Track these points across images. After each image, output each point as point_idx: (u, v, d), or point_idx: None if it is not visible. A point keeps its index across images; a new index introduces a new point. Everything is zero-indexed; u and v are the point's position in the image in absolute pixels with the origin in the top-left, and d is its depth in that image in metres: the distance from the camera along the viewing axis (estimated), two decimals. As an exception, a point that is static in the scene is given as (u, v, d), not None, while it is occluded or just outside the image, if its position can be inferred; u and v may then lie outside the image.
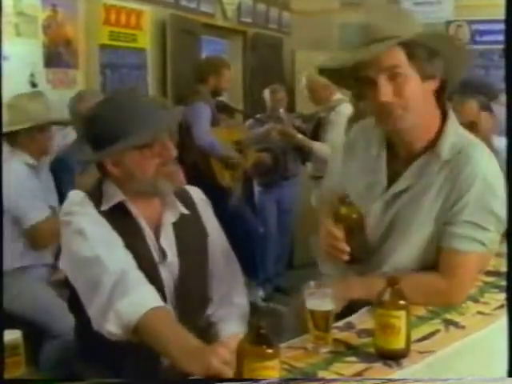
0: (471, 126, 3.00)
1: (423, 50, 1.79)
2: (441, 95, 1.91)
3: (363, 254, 1.85)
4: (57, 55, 3.95)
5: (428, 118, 1.89)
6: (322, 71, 1.95)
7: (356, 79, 1.85)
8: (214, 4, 5.76)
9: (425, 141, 1.90)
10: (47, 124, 3.30)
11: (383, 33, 1.78)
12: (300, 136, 4.83)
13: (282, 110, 5.26)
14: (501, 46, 6.21)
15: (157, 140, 1.86)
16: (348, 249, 1.82)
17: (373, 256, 1.92)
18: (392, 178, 1.93)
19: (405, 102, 1.80)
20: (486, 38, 6.70)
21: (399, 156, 1.94)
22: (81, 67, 4.15)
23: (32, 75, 3.76)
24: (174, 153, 1.90)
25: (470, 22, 6.75)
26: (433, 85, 1.85)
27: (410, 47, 1.77)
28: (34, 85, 3.76)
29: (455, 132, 1.91)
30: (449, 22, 6.76)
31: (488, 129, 3.13)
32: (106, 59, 4.39)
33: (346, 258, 1.82)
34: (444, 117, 1.93)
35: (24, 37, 3.68)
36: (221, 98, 5.03)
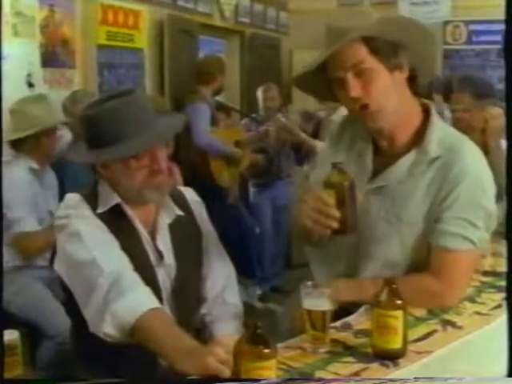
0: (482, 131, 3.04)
1: (385, 42, 1.80)
2: (414, 87, 1.92)
3: (352, 224, 1.79)
4: (54, 55, 3.95)
5: (405, 108, 1.89)
6: (297, 83, 1.97)
7: (328, 85, 1.87)
8: (212, 4, 5.76)
9: (408, 134, 1.91)
10: (53, 128, 3.29)
11: (343, 32, 1.79)
12: (303, 134, 4.84)
13: (289, 106, 5.25)
14: (497, 46, 6.24)
15: (147, 151, 1.84)
16: (338, 215, 1.73)
17: (361, 251, 1.91)
18: (376, 171, 1.93)
19: (375, 95, 1.81)
20: (482, 38, 6.71)
21: (383, 150, 1.94)
22: (78, 67, 4.15)
23: (29, 75, 3.76)
24: (164, 165, 1.87)
25: (467, 23, 6.77)
26: (402, 75, 1.86)
27: (371, 41, 1.79)
28: (30, 85, 3.76)
29: (440, 127, 1.91)
30: (446, 23, 6.77)
31: (498, 126, 3.12)
32: (104, 59, 4.39)
33: (335, 225, 1.74)
34: (426, 112, 1.93)
35: (21, 37, 3.68)
36: (217, 98, 5.05)
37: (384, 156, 1.93)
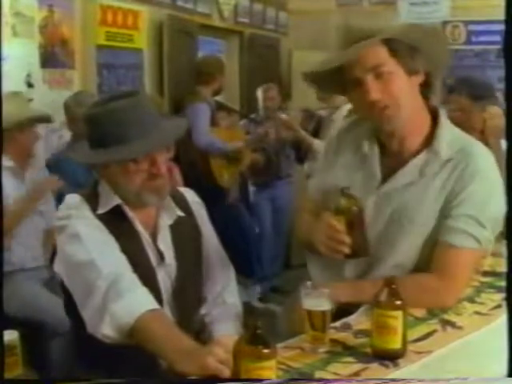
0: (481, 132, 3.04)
1: (404, 46, 1.80)
2: (426, 92, 1.92)
3: (363, 248, 1.82)
4: (53, 55, 3.94)
5: (417, 112, 1.90)
6: (308, 77, 1.94)
7: (342, 83, 1.87)
8: (211, 4, 5.75)
9: (418, 138, 1.91)
10: (27, 123, 3.23)
11: (364, 32, 1.79)
12: (303, 132, 4.85)
13: (289, 104, 5.22)
14: (497, 47, 6.23)
15: (147, 155, 1.83)
16: (349, 241, 1.77)
17: (373, 255, 1.89)
18: (385, 174, 1.93)
19: (394, 98, 1.81)
20: (482, 39, 6.71)
21: (392, 152, 1.94)
22: (77, 67, 4.14)
23: (28, 75, 3.76)
24: (163, 169, 1.87)
25: (466, 23, 6.76)
26: (417, 80, 1.86)
27: (392, 44, 1.79)
28: (30, 85, 3.75)
29: (450, 130, 1.92)
30: (445, 23, 6.77)
31: (497, 126, 3.12)
32: (103, 59, 4.38)
33: (347, 251, 1.78)
34: (434, 115, 1.94)
35: (20, 37, 3.67)
36: (216, 98, 5.05)
37: (392, 159, 1.93)
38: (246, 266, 4.74)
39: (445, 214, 1.85)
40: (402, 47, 1.80)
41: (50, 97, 3.74)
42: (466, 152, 1.86)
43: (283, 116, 4.99)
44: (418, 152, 1.90)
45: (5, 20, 3.47)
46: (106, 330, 1.68)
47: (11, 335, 2.37)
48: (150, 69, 4.85)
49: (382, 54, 1.79)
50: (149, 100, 1.99)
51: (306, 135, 4.85)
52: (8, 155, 3.18)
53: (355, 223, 1.80)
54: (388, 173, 1.93)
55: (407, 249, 1.88)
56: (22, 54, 3.70)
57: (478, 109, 3.25)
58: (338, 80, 1.88)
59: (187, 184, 3.28)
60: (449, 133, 1.90)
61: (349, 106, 4.52)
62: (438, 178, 1.86)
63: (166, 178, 1.89)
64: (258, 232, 5.15)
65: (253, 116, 5.34)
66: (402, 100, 1.82)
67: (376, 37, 1.78)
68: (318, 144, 4.72)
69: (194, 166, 4.53)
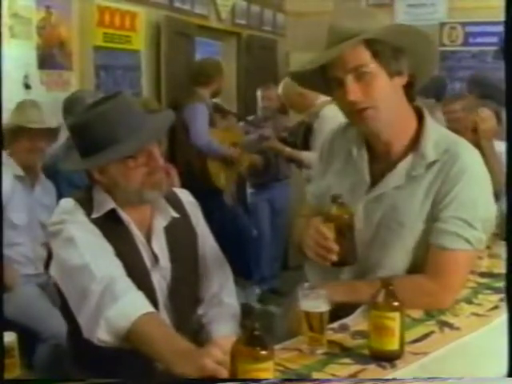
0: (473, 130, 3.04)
1: (387, 47, 1.79)
2: (410, 93, 1.91)
3: (352, 256, 1.81)
4: (51, 57, 3.94)
5: (402, 114, 1.90)
6: (294, 77, 1.96)
7: (326, 82, 1.86)
8: (208, 6, 5.75)
9: (404, 140, 1.90)
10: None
11: (347, 33, 1.78)
12: (288, 149, 4.76)
13: (255, 131, 5.19)
14: (494, 48, 6.23)
15: (142, 150, 1.85)
16: (337, 248, 1.76)
17: (366, 259, 1.89)
18: (375, 179, 1.93)
19: (374, 100, 1.80)
20: (479, 40, 6.71)
21: (380, 156, 1.94)
22: (75, 69, 4.14)
23: (26, 77, 3.75)
24: (161, 161, 1.88)
25: (464, 24, 6.77)
26: (400, 81, 1.85)
27: (375, 45, 1.78)
28: (27, 86, 3.75)
29: (435, 130, 1.91)
30: (442, 24, 6.78)
31: (489, 128, 3.12)
32: (101, 61, 4.38)
33: (335, 258, 1.76)
34: (419, 116, 1.93)
35: (18, 38, 3.67)
36: (214, 100, 5.05)
37: (381, 163, 1.93)
38: (244, 267, 4.74)
39: (434, 216, 1.84)
40: (385, 48, 1.79)
41: (48, 98, 3.74)
42: (451, 152, 1.85)
43: (265, 143, 4.95)
44: (405, 155, 1.90)
45: (3, 21, 3.46)
46: (102, 335, 1.68)
47: (9, 337, 2.37)
48: (147, 70, 4.85)
49: (363, 55, 1.78)
50: (130, 98, 2.00)
51: (293, 152, 4.72)
52: (20, 164, 3.17)
53: (345, 231, 1.79)
54: (377, 177, 1.92)
55: (399, 252, 1.88)
56: (19, 56, 3.69)
57: (473, 109, 3.25)
58: (322, 81, 1.88)
59: (184, 186, 3.27)
60: (434, 134, 1.90)
61: (327, 109, 4.42)
62: (424, 180, 1.86)
63: (163, 171, 1.91)
64: (256, 233, 5.15)
65: (250, 119, 5.33)
66: (382, 102, 1.81)
67: (358, 37, 1.76)
68: (308, 156, 4.66)
69: (191, 167, 4.52)
